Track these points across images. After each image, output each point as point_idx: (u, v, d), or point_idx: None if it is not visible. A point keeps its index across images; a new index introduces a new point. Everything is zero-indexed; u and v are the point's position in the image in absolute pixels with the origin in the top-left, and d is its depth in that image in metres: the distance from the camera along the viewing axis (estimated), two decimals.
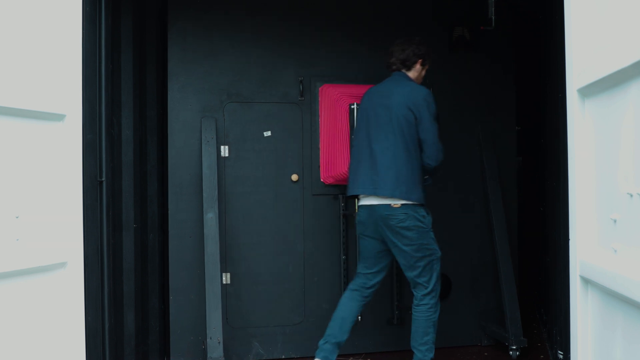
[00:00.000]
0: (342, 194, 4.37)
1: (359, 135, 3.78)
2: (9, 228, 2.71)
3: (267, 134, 4.40)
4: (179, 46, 4.43)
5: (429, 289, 3.65)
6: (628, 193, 2.04)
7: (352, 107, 4.24)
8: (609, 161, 2.23)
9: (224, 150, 4.39)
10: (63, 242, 3.02)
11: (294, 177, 4.37)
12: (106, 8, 3.43)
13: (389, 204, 3.57)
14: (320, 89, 4.45)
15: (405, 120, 3.59)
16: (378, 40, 4.38)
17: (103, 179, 3.39)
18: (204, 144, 4.29)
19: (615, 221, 2.15)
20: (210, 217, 4.16)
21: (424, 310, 3.64)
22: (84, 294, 3.15)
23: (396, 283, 4.47)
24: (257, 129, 4.40)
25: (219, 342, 3.91)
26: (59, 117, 2.99)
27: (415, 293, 3.70)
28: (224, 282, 4.35)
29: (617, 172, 2.15)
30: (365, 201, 3.67)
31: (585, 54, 2.43)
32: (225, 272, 4.37)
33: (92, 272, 3.26)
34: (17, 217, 2.74)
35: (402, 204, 3.57)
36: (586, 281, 2.44)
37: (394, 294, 4.50)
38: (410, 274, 3.69)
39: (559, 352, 3.74)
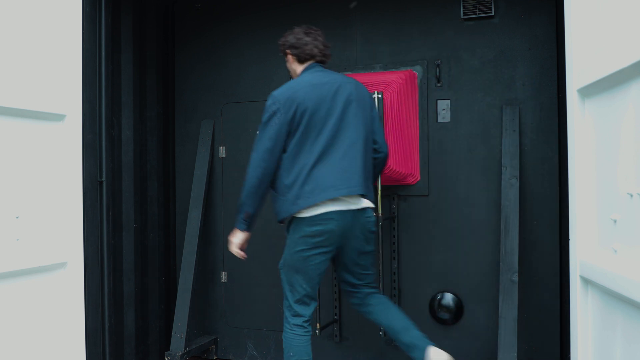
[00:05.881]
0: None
1: None
2: (9, 228, 2.71)
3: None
4: (183, 52, 4.54)
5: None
6: (628, 193, 2.04)
7: None
8: (609, 161, 2.23)
9: (222, 151, 4.43)
10: (63, 242, 3.03)
11: None
12: (106, 8, 3.43)
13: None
14: None
15: None
16: (372, 26, 4.16)
17: (103, 179, 3.39)
18: (200, 145, 4.42)
19: (615, 221, 2.15)
20: (194, 217, 4.27)
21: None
22: (84, 294, 3.15)
23: (392, 299, 4.04)
24: (252, 129, 4.35)
25: (181, 337, 3.97)
26: (59, 117, 3.00)
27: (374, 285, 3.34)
28: (222, 280, 4.41)
29: (617, 172, 2.15)
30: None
31: (585, 54, 2.43)
32: (224, 270, 4.42)
33: (92, 272, 3.26)
34: (17, 217, 2.75)
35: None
36: (586, 281, 2.44)
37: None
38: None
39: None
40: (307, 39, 3.23)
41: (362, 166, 3.08)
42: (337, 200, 3.02)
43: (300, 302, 3.13)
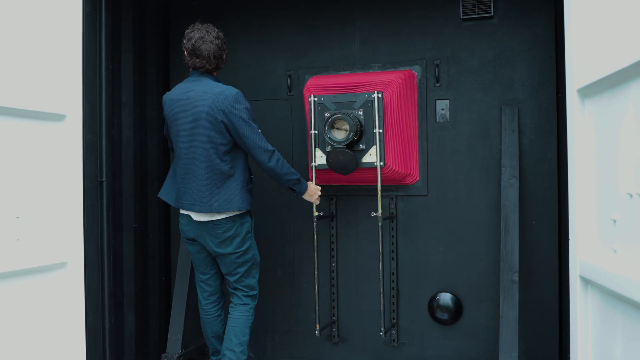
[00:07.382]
0: (334, 195, 4.13)
1: None
2: (9, 228, 2.71)
3: None
4: (179, 51, 4.45)
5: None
6: (628, 193, 2.04)
7: (310, 99, 3.74)
8: (609, 161, 2.23)
9: None
10: (63, 242, 3.03)
11: None
12: (106, 8, 3.43)
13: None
14: (307, 82, 3.96)
15: None
16: (371, 25, 4.12)
17: (103, 179, 3.39)
18: None
19: (615, 221, 2.16)
20: None
21: (245, 311, 3.61)
22: (84, 294, 3.15)
23: (391, 299, 4.02)
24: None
25: (178, 339, 3.95)
26: (59, 118, 3.00)
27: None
28: None
29: (617, 172, 2.15)
30: None
31: (585, 54, 2.43)
32: None
33: (92, 272, 3.26)
34: (17, 217, 2.75)
35: None
36: (586, 281, 2.45)
37: (390, 311, 4.02)
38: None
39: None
40: (202, 47, 3.29)
41: (203, 183, 3.30)
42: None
43: (198, 284, 3.63)
